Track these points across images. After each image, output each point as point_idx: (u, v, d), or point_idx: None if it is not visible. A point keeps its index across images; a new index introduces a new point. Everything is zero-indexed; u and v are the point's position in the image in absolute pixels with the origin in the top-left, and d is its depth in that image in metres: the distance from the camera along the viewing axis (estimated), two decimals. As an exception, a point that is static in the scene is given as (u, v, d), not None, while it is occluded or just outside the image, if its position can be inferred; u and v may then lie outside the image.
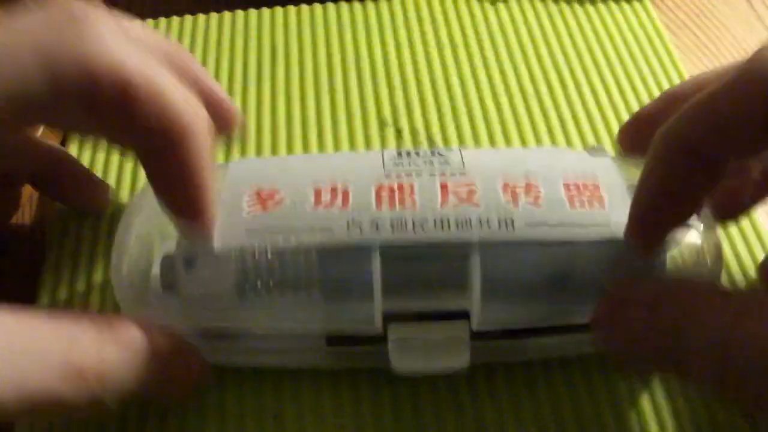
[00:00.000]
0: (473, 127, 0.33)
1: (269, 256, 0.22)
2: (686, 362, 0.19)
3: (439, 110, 0.33)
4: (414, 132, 0.32)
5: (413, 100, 0.34)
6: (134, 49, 0.20)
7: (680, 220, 0.21)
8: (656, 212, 0.21)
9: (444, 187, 0.23)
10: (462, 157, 0.24)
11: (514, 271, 0.22)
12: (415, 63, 0.35)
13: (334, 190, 0.23)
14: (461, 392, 0.25)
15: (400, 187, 0.23)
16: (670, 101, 0.25)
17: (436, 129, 0.33)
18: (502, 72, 0.35)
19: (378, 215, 0.22)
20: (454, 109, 0.33)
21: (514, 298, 0.22)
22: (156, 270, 0.23)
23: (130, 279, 0.23)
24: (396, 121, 0.33)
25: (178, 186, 0.22)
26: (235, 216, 0.22)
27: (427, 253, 0.22)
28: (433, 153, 0.24)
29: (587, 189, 0.23)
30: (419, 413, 0.24)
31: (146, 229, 0.24)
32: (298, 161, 0.25)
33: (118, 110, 0.20)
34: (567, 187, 0.23)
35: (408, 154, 0.24)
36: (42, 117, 0.20)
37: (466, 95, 0.34)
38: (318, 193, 0.23)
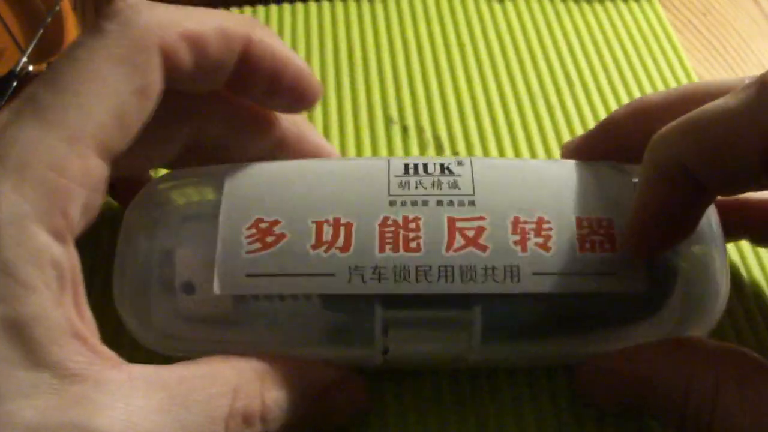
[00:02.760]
0: (479, 125, 0.33)
1: (269, 301, 0.22)
2: (653, 418, 0.22)
3: (445, 108, 0.33)
4: (420, 129, 0.33)
5: (420, 97, 0.34)
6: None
7: (679, 237, 0.22)
8: (652, 231, 0.21)
9: (451, 223, 0.22)
10: (473, 178, 0.23)
11: (516, 319, 0.22)
12: (422, 61, 0.35)
13: (336, 225, 0.22)
14: (463, 391, 0.25)
15: (405, 222, 0.22)
16: (639, 111, 0.24)
17: (442, 126, 0.33)
18: (509, 70, 0.35)
19: (380, 261, 0.21)
20: (460, 106, 0.33)
21: (513, 343, 0.23)
22: (156, 273, 0.23)
23: (132, 284, 0.23)
24: (402, 118, 0.33)
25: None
26: (235, 254, 0.22)
27: (430, 300, 0.22)
28: (443, 169, 0.23)
29: (601, 226, 0.22)
30: (422, 412, 0.24)
31: (148, 230, 0.24)
32: (301, 181, 0.23)
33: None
34: (579, 223, 0.22)
35: (416, 169, 0.23)
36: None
37: (472, 93, 0.34)
38: (319, 229, 0.22)
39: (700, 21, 0.40)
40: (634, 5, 0.38)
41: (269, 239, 0.22)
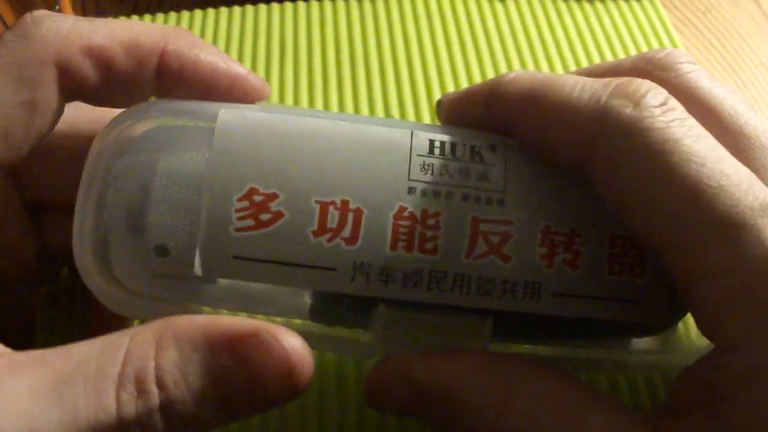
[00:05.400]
0: (481, 124, 0.33)
1: (258, 287, 0.20)
2: None
3: (446, 106, 0.34)
4: (421, 127, 0.33)
5: (421, 96, 0.34)
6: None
7: None
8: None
9: (475, 224, 0.19)
10: (505, 169, 0.20)
11: (528, 333, 0.21)
12: (423, 59, 0.35)
13: (344, 209, 0.19)
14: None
15: (424, 216, 0.19)
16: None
17: (443, 125, 0.33)
18: (510, 68, 0.35)
19: (391, 261, 0.19)
20: (461, 105, 0.34)
21: (519, 346, 0.22)
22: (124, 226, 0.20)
23: (96, 231, 0.20)
24: (404, 116, 0.33)
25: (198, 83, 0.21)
26: (222, 230, 0.19)
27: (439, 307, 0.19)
28: (473, 154, 0.20)
29: (634, 247, 0.20)
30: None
31: (118, 170, 0.20)
32: (307, 144, 0.19)
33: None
34: (613, 241, 0.20)
35: (442, 149, 0.20)
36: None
37: (473, 91, 0.34)
38: (323, 212, 0.19)
39: (700, 20, 0.40)
40: (635, 4, 0.38)
41: (264, 216, 0.19)
